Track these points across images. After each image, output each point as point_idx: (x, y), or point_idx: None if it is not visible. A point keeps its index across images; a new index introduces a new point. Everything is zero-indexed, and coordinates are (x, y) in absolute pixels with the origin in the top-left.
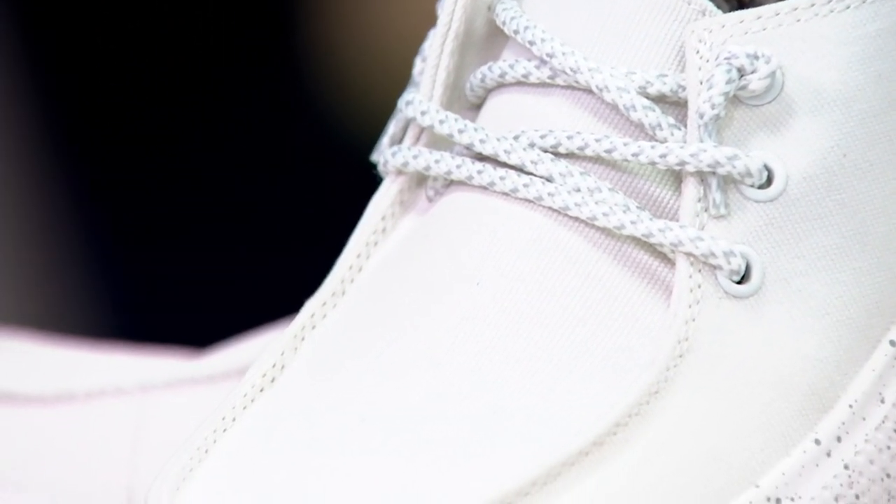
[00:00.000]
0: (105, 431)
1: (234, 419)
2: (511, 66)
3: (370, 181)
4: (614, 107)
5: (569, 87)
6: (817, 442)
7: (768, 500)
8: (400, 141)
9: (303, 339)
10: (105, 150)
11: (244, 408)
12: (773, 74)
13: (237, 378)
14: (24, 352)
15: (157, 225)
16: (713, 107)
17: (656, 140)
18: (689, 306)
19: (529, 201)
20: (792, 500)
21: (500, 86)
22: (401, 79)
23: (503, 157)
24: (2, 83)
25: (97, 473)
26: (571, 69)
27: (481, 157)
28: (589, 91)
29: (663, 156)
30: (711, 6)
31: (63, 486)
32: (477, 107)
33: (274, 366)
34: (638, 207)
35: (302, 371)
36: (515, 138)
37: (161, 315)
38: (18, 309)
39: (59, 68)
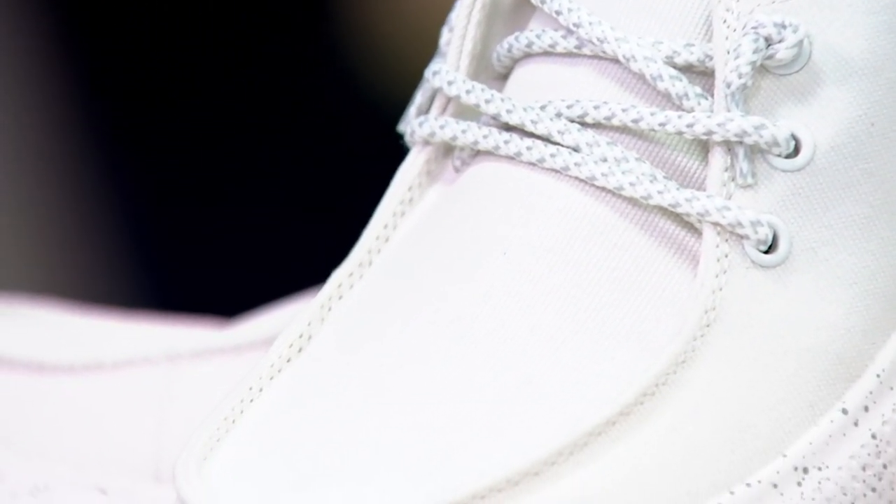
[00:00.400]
0: (132, 401)
1: (261, 389)
2: (538, 36)
3: (397, 151)
4: (641, 76)
5: (595, 56)
6: (844, 411)
7: (795, 469)
8: (427, 111)
9: (330, 309)
10: (134, 115)
11: (271, 378)
12: (800, 43)
13: (264, 348)
14: (53, 321)
15: (186, 193)
16: (740, 76)
17: (683, 110)
18: (716, 276)
19: (556, 171)
20: (819, 469)
21: (527, 56)
22: (428, 49)
23: (530, 127)
24: (33, 42)
25: (124, 443)
26: (598, 39)
27: (508, 128)
28: (616, 61)
29: (690, 125)
30: None
31: (90, 456)
32: (503, 77)
33: (301, 336)
34: (665, 177)
35: (329, 341)
36: (542, 108)
37: (189, 285)
38: (47, 279)
39: (88, 31)
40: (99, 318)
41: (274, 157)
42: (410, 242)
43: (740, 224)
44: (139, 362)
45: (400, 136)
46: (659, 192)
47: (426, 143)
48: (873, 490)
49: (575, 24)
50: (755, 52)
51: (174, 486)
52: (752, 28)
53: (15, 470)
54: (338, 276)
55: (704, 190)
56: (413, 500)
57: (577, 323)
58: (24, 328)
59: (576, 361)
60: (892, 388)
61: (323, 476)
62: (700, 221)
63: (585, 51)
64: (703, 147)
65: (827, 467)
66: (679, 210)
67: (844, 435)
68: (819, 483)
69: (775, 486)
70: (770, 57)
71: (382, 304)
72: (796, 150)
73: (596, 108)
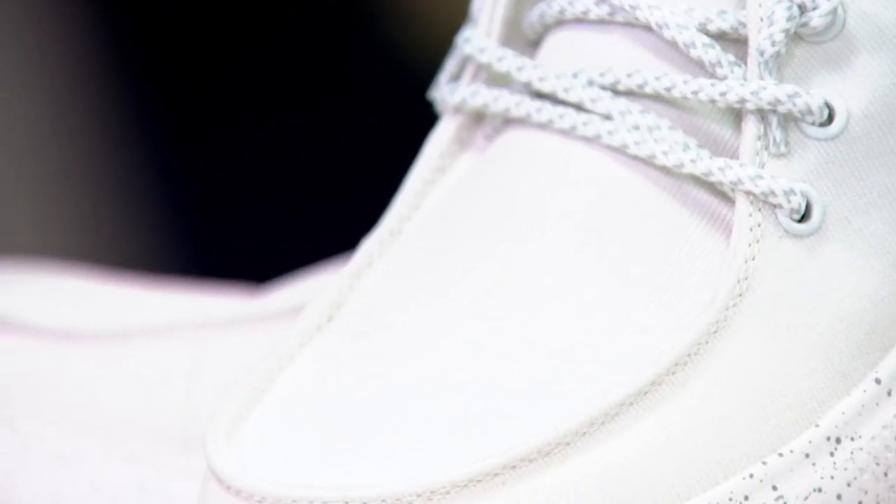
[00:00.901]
0: (161, 370)
1: (291, 358)
2: (570, 3)
3: (428, 119)
4: (674, 44)
5: (628, 24)
6: (878, 381)
7: (828, 439)
8: (458, 78)
9: (360, 277)
10: (165, 78)
11: (301, 346)
12: (834, 11)
13: (294, 317)
14: (81, 289)
15: (217, 161)
16: (774, 44)
17: (716, 78)
18: (749, 245)
19: (588, 139)
20: (852, 439)
21: (559, 23)
22: (459, 16)
23: (562, 95)
24: (81, 25)
25: (152, 412)
26: (630, 6)
27: (540, 95)
28: (648, 28)
29: (723, 94)
30: None
31: (118, 426)
32: (535, 44)
33: (331, 305)
34: (698, 146)
35: (359, 310)
36: (574, 76)
37: (219, 253)
38: (75, 246)
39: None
40: (128, 286)
41: (304, 125)
42: (441, 211)
43: (773, 193)
44: (167, 331)
45: (431, 104)
46: (692, 161)
47: (457, 110)
48: None
49: None
50: (789, 19)
51: (203, 455)
52: None
53: (43, 438)
54: (368, 244)
55: (737, 158)
56: (443, 472)
57: (609, 293)
58: (52, 296)
59: (608, 331)
60: None
61: (351, 447)
62: (733, 190)
63: (618, 18)
64: (736, 115)
65: (860, 437)
66: (712, 179)
67: (877, 405)
68: (852, 453)
69: (808, 455)
70: (804, 24)
71: (413, 274)
72: (830, 119)
73: (628, 75)
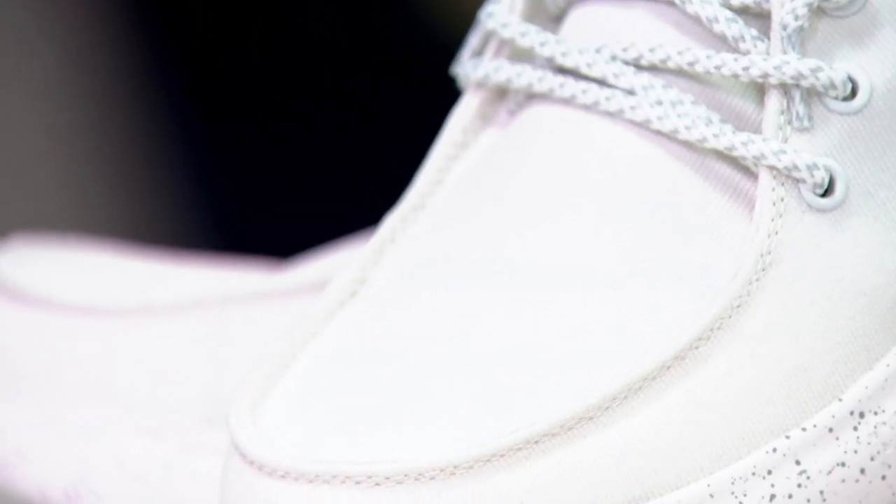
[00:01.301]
0: (185, 346)
1: (314, 334)
2: None
3: (451, 94)
4: (697, 19)
5: None
6: None
7: (851, 413)
8: (481, 54)
9: (383, 253)
10: (194, 55)
11: (324, 322)
12: None
13: (318, 292)
14: (106, 264)
15: (242, 135)
16: (797, 18)
17: (739, 52)
18: (772, 220)
19: (611, 114)
20: (875, 413)
21: None
22: None
23: (585, 70)
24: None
25: (177, 388)
26: None
27: (563, 71)
28: (671, 3)
29: (746, 68)
30: None
31: (141, 400)
32: (558, 19)
33: (355, 280)
34: (720, 120)
35: (382, 286)
36: (597, 51)
37: (242, 228)
38: (101, 221)
39: None
40: (152, 260)
41: (328, 101)
42: (464, 187)
43: (796, 167)
44: (193, 306)
45: (454, 79)
46: (714, 136)
47: (480, 85)
48: None
49: None
50: None
51: (227, 431)
52: None
53: (68, 413)
54: (391, 220)
55: (760, 133)
56: (466, 447)
57: (632, 267)
58: (76, 271)
59: (630, 306)
60: None
61: (374, 422)
62: (756, 165)
63: None
64: (759, 90)
65: (883, 411)
66: (735, 153)
67: None
68: (875, 427)
69: (831, 430)
70: None
71: (435, 250)
72: (853, 93)
73: (651, 50)
